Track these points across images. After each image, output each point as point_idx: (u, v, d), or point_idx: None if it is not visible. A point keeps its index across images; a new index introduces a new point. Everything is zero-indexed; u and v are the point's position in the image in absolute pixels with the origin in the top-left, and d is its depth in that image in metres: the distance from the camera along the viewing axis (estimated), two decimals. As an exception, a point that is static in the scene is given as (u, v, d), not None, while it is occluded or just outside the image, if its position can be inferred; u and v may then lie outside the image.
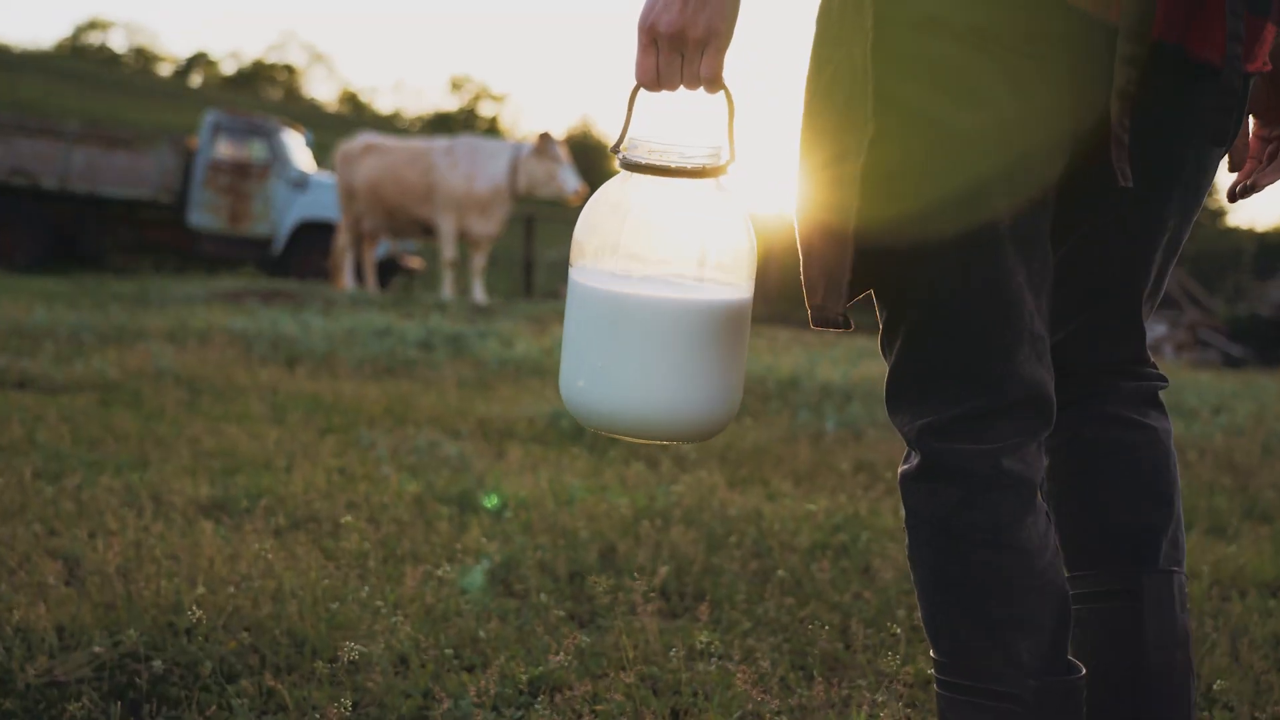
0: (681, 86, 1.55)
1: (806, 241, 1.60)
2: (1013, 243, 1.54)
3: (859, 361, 8.32)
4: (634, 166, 1.59)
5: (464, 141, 14.32)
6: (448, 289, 13.79)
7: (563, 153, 13.74)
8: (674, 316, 1.58)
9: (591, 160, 40.84)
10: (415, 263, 18.96)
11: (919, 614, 3.04)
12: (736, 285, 1.62)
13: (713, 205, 1.61)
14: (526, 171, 13.61)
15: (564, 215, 24.29)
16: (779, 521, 3.69)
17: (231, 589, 2.66)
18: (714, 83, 1.54)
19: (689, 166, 1.58)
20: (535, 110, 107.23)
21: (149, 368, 6.14)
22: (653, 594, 3.04)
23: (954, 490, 1.56)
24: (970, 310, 1.55)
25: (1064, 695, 1.56)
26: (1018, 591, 1.56)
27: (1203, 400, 7.63)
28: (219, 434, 4.67)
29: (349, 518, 2.86)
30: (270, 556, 2.85)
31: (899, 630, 2.88)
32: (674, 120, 1.62)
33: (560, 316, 11.43)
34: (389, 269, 17.95)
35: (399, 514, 3.55)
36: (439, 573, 2.82)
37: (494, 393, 6.52)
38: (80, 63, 58.93)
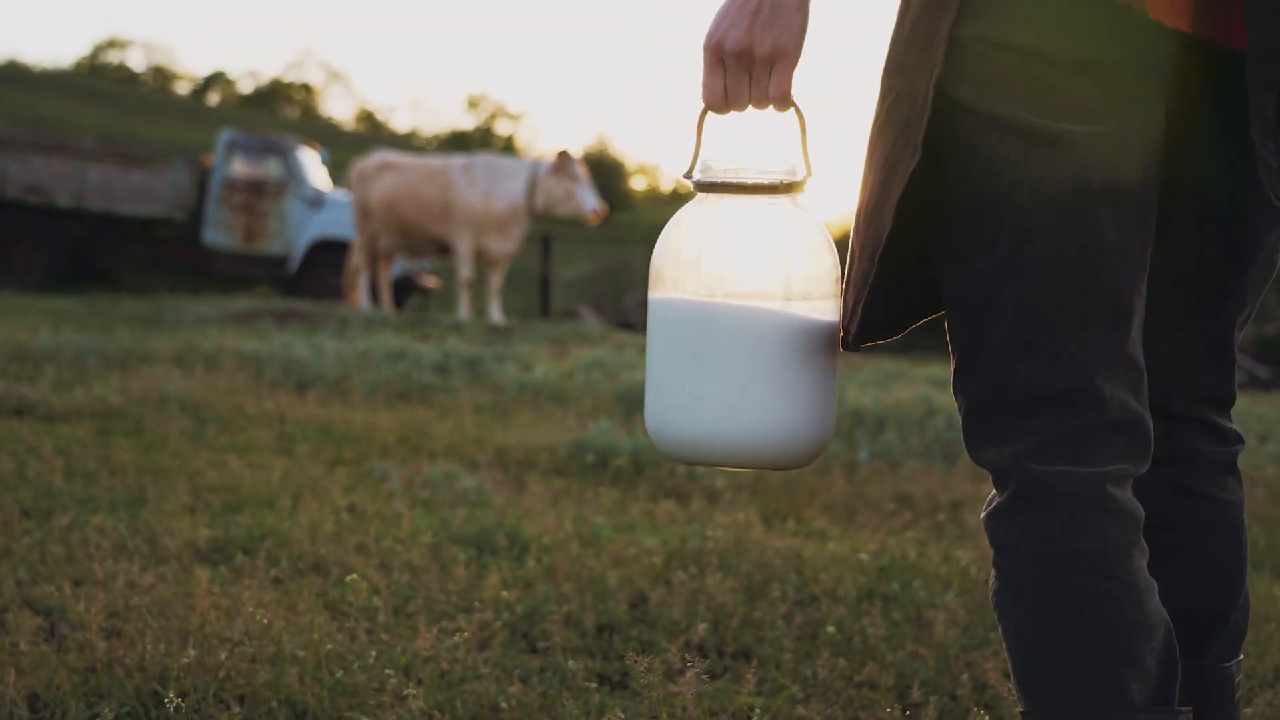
0: (750, 107, 1.53)
1: (851, 260, 1.60)
2: (1118, 256, 1.47)
3: (890, 386, 8.04)
4: (712, 186, 1.57)
5: (482, 159, 14.09)
6: (464, 309, 13.55)
7: (581, 171, 13.51)
8: (771, 330, 1.55)
9: (609, 179, 40.66)
10: (431, 282, 18.75)
11: (985, 674, 2.78)
12: (826, 299, 1.59)
13: (794, 221, 1.58)
14: (544, 190, 13.37)
15: (581, 234, 24.07)
16: (821, 566, 3.42)
17: (225, 653, 2.39)
18: (784, 101, 1.52)
19: (769, 182, 1.56)
20: (552, 129, 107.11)
21: (153, 394, 5.89)
22: (690, 655, 2.77)
23: (1058, 517, 1.45)
24: (1071, 321, 1.47)
25: None
26: (1128, 628, 1.45)
27: (1245, 427, 7.31)
28: (222, 467, 4.40)
29: (353, 575, 2.59)
30: (269, 614, 2.59)
31: (963, 694, 2.62)
32: (733, 142, 1.61)
33: (579, 338, 11.17)
34: (405, 288, 17.74)
35: (412, 558, 3.28)
36: (456, 636, 2.54)
37: (513, 420, 6.25)
38: (99, 81, 58.93)
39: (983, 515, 1.53)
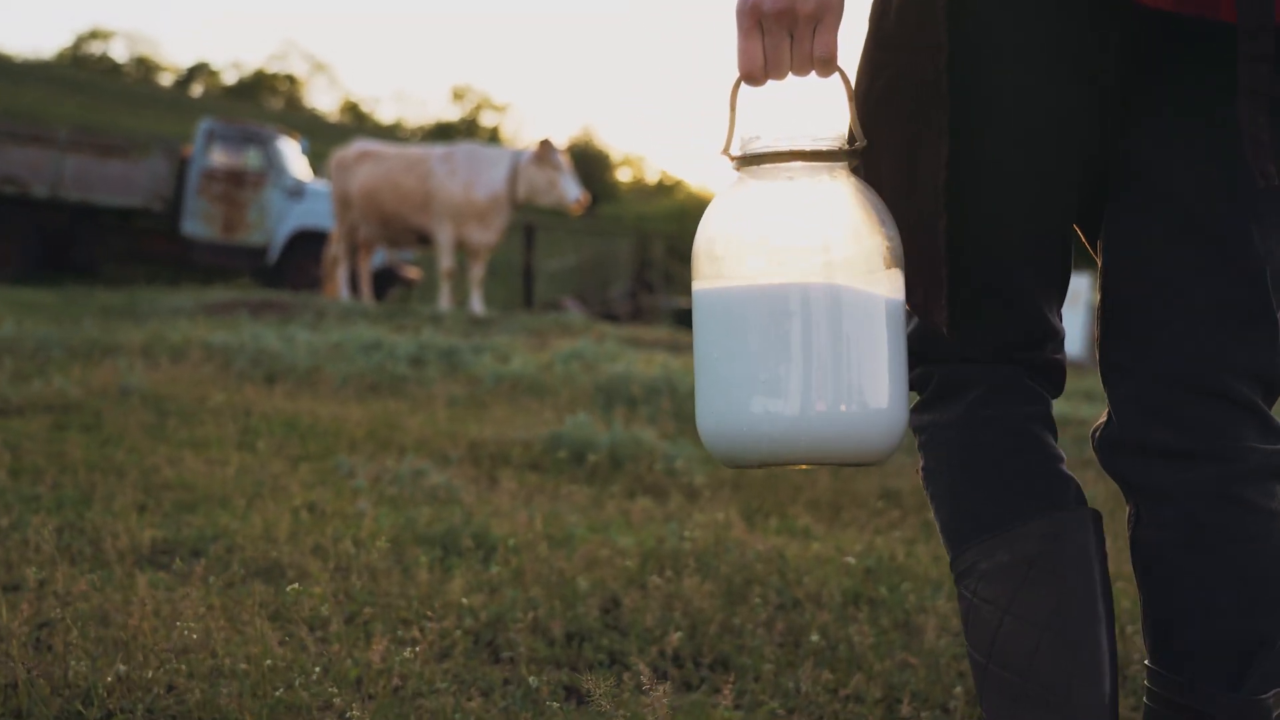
0: (790, 74, 1.43)
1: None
2: (1020, 300, 1.56)
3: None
4: (765, 157, 1.45)
5: (463, 148, 13.88)
6: (445, 300, 13.34)
7: (564, 160, 13.30)
8: (862, 304, 1.44)
9: (594, 170, 40.40)
10: (413, 273, 18.53)
11: (972, 686, 2.60)
12: (900, 269, 1.48)
13: (859, 188, 1.47)
14: (526, 179, 13.16)
15: (565, 224, 23.87)
16: (805, 568, 3.24)
17: (157, 668, 2.20)
18: (829, 63, 1.42)
19: (828, 149, 1.45)
20: (537, 120, 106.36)
21: (114, 386, 5.67)
22: (664, 666, 2.59)
23: (972, 391, 1.56)
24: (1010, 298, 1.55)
25: (1086, 526, 1.52)
26: (1037, 478, 1.54)
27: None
28: (179, 463, 4.20)
29: (294, 586, 2.40)
30: (210, 623, 2.40)
31: (956, 706, 2.44)
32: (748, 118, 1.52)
33: (560, 330, 10.98)
34: (386, 279, 17.52)
35: (371, 560, 3.09)
36: (407, 652, 2.35)
37: (487, 413, 6.06)
38: (81, 72, 58.42)
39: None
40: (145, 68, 68.98)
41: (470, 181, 13.25)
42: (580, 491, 4.27)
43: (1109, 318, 1.54)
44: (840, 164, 1.47)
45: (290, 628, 2.57)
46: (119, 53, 72.62)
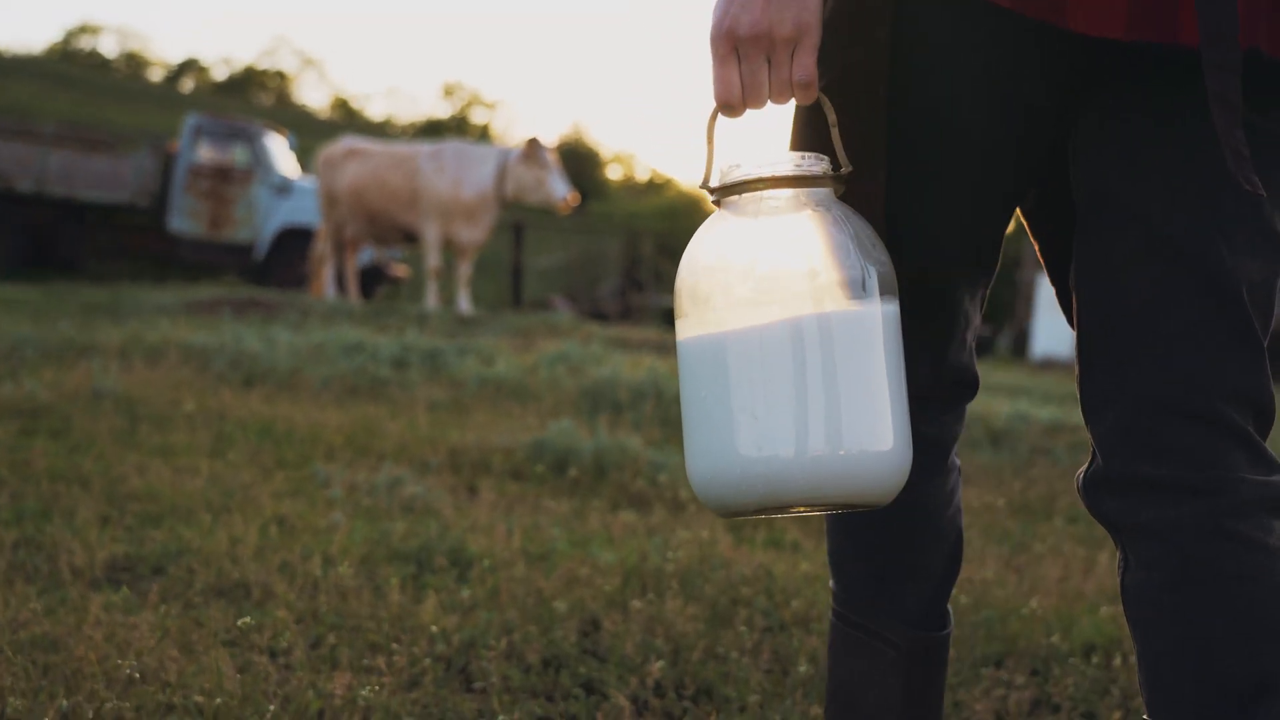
0: (768, 101, 1.38)
1: None
2: (966, 277, 1.59)
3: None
4: (747, 185, 1.39)
5: (450, 146, 13.74)
6: (431, 299, 13.21)
7: (551, 158, 13.16)
8: (864, 333, 1.37)
9: (584, 168, 40.30)
10: (401, 271, 18.40)
11: (974, 716, 2.49)
12: (892, 294, 1.41)
13: (847, 213, 1.40)
14: (514, 177, 13.03)
15: (555, 223, 23.73)
16: (793, 589, 3.11)
17: (96, 707, 2.06)
18: (809, 87, 1.37)
19: (812, 174, 1.39)
20: (528, 117, 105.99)
21: (87, 390, 5.52)
22: (643, 694, 2.46)
23: None
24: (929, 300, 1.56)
25: (935, 647, 1.68)
26: (916, 543, 1.66)
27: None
28: (147, 472, 4.06)
29: (246, 619, 2.26)
30: (165, 652, 2.27)
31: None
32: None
33: (547, 330, 10.85)
34: (373, 278, 17.39)
35: (341, 579, 2.95)
36: (367, 689, 2.21)
37: (469, 418, 5.92)
38: (71, 67, 58.13)
39: None
40: (135, 63, 68.69)
41: (458, 179, 13.12)
42: (561, 503, 4.14)
43: (1087, 348, 1.45)
44: (826, 189, 1.40)
45: (250, 655, 2.44)
46: (109, 48, 72.40)
